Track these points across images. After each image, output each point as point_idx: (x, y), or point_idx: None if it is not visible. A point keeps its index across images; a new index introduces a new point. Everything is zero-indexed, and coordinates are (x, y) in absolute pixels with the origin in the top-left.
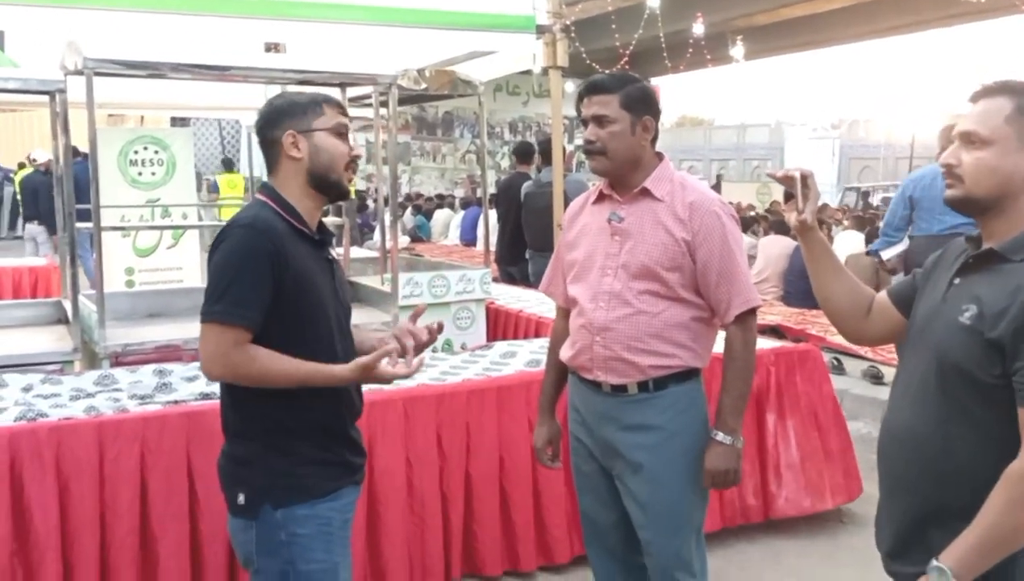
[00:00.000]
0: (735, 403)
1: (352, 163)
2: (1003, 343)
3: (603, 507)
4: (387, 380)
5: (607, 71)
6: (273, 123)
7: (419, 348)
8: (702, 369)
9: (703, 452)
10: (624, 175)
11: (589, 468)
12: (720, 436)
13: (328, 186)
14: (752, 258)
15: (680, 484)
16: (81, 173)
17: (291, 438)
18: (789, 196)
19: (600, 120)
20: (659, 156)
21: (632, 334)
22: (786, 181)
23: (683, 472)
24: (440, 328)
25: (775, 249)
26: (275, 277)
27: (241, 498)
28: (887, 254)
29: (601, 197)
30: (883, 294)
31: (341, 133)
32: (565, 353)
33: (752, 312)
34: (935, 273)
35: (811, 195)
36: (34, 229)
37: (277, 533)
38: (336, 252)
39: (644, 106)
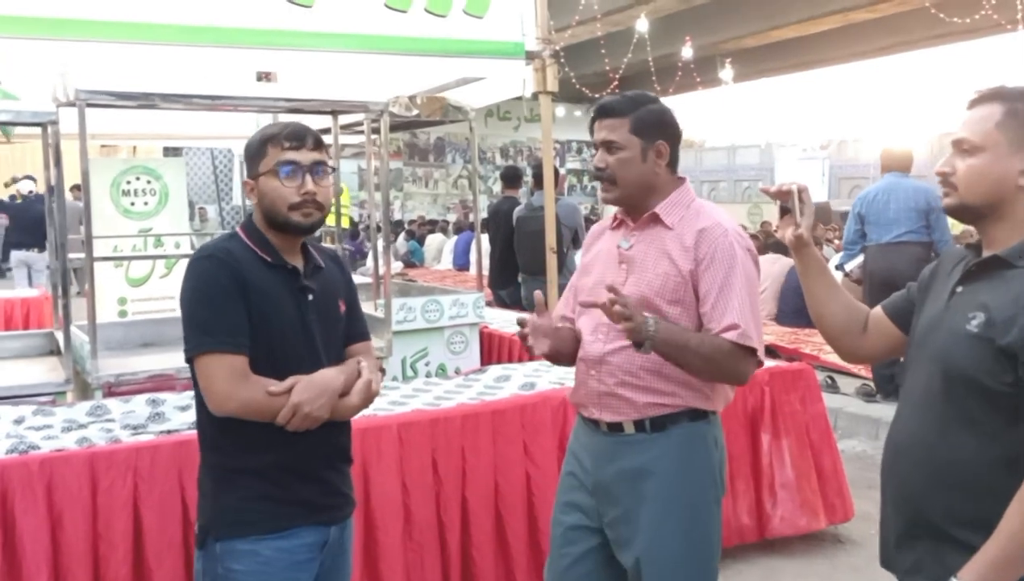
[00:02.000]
0: (679, 338)
1: (304, 203)
2: (1015, 350)
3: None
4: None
5: (621, 93)
6: (246, 167)
7: None
8: (713, 412)
9: (710, 512)
10: (636, 202)
11: (574, 519)
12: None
13: (279, 226)
14: None
15: (679, 544)
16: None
17: (240, 473)
18: (784, 212)
19: (609, 146)
20: (679, 180)
21: (626, 367)
22: (781, 196)
23: (683, 530)
24: None
25: (773, 267)
26: (244, 301)
27: (197, 527)
28: (850, 266)
29: (618, 223)
30: (878, 310)
31: (285, 172)
32: (569, 390)
33: (749, 352)
34: (933, 284)
35: (807, 210)
36: (31, 256)
37: (215, 566)
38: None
39: (657, 130)
